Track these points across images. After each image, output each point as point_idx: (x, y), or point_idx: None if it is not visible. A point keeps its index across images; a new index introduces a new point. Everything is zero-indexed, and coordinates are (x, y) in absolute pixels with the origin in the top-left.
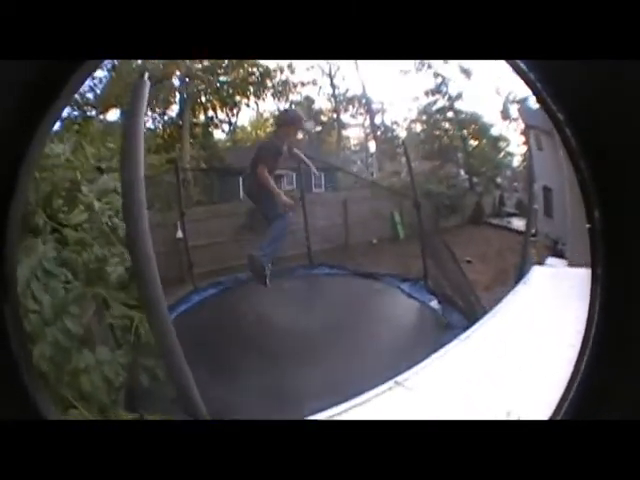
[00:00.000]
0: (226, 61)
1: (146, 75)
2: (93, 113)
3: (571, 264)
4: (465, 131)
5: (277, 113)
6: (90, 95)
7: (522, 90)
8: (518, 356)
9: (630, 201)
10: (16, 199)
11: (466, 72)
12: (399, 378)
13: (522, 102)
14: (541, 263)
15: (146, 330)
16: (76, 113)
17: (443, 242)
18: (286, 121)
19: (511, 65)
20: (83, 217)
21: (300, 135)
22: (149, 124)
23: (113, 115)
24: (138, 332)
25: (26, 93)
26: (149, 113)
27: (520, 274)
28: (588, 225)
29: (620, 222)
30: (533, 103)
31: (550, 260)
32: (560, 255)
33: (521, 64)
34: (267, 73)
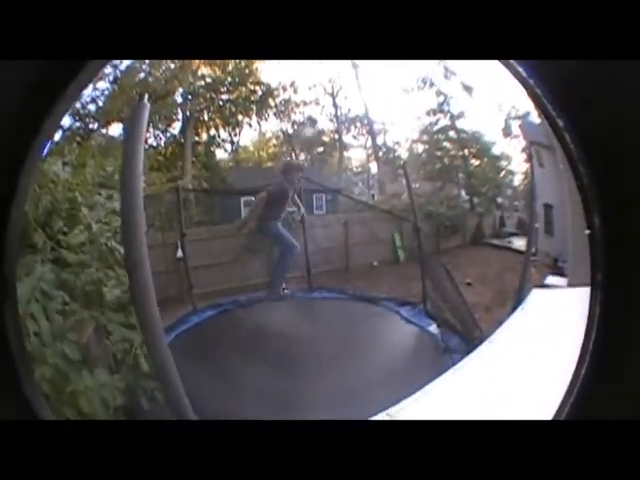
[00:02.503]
0: (229, 78)
1: (146, 97)
2: (95, 126)
3: (571, 283)
4: (466, 151)
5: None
6: (92, 107)
7: (523, 105)
8: (513, 389)
9: (630, 207)
10: (17, 200)
11: (468, 89)
12: (391, 410)
13: (523, 118)
14: (541, 283)
15: (145, 353)
16: (78, 124)
17: (442, 265)
18: (291, 168)
19: (510, 71)
20: (82, 237)
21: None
22: (151, 140)
23: (115, 130)
24: (137, 355)
25: (28, 94)
26: (151, 129)
27: (519, 297)
28: (588, 230)
29: (620, 228)
30: (534, 118)
31: (550, 278)
32: (560, 273)
33: (520, 70)
34: (269, 92)
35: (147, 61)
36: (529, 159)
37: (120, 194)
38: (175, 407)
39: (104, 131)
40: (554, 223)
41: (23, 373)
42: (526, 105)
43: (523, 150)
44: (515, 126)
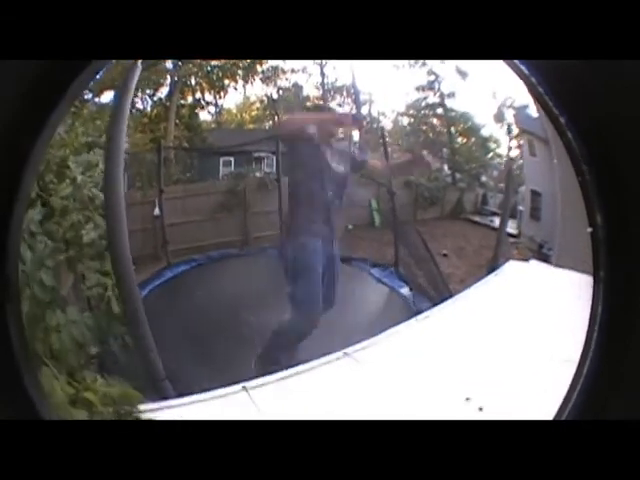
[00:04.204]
0: None
1: (139, 61)
2: (90, 96)
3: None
4: (453, 128)
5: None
6: None
7: (520, 96)
8: (474, 341)
9: (633, 204)
10: (20, 199)
11: (462, 73)
12: (349, 349)
13: (519, 109)
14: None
15: (118, 298)
16: None
17: (417, 231)
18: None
19: (512, 68)
20: (68, 190)
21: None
22: (138, 105)
23: (106, 97)
24: (110, 299)
25: (29, 94)
26: (139, 94)
27: (493, 268)
28: (590, 229)
29: (622, 226)
30: (531, 110)
31: (532, 262)
32: (544, 259)
33: (522, 67)
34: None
35: None
36: (519, 146)
37: (105, 144)
38: (143, 353)
39: (97, 100)
40: (541, 209)
41: (25, 373)
42: (522, 96)
43: (515, 137)
44: (509, 114)
